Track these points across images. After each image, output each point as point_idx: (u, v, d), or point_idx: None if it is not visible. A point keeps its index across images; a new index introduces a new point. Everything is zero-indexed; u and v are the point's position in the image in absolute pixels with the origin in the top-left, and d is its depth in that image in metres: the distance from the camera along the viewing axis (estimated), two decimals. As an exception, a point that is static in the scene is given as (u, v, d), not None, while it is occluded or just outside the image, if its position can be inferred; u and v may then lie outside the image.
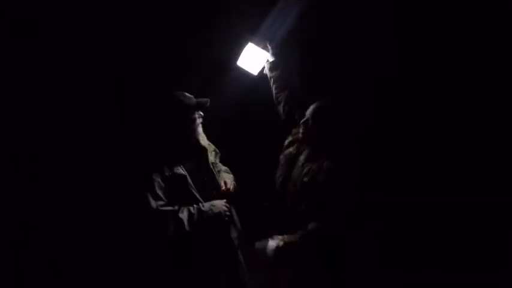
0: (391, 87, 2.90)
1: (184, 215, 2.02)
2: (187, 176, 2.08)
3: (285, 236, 2.02)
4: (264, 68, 2.46)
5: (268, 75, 2.44)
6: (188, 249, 2.12)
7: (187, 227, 2.01)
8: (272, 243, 2.02)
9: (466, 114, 2.87)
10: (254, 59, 2.42)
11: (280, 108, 2.36)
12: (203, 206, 2.08)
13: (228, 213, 2.13)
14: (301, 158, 2.13)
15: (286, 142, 2.26)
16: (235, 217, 2.26)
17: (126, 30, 2.97)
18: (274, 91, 2.40)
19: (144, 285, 2.57)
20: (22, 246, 2.78)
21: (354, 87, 2.85)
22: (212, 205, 2.09)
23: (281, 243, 2.00)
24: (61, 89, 2.93)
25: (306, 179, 2.03)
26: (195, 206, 2.06)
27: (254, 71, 2.46)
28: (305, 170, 2.06)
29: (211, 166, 2.22)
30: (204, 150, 2.20)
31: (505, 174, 2.76)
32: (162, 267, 2.19)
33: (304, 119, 2.10)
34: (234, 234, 2.21)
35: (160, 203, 2.01)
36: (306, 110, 2.14)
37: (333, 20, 2.91)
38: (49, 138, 2.91)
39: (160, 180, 2.03)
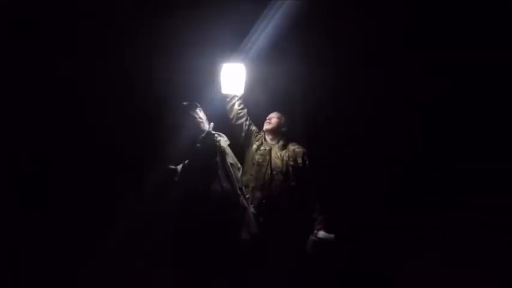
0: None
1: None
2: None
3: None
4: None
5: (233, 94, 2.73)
6: (190, 249, 2.15)
7: None
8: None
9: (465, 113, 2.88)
10: (233, 79, 2.65)
11: (243, 122, 2.75)
12: None
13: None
14: (274, 151, 2.69)
15: (255, 146, 2.73)
16: (252, 219, 2.33)
17: (125, 32, 2.99)
18: (236, 108, 2.72)
19: (144, 285, 2.58)
20: (21, 247, 2.78)
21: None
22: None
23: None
24: (61, 88, 2.94)
25: (291, 162, 2.64)
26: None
27: (238, 91, 2.71)
28: (285, 157, 2.66)
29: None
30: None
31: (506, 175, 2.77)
32: (161, 267, 2.19)
33: (269, 125, 2.73)
34: (245, 236, 2.27)
35: None
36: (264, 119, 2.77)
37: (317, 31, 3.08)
38: (49, 138, 2.91)
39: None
